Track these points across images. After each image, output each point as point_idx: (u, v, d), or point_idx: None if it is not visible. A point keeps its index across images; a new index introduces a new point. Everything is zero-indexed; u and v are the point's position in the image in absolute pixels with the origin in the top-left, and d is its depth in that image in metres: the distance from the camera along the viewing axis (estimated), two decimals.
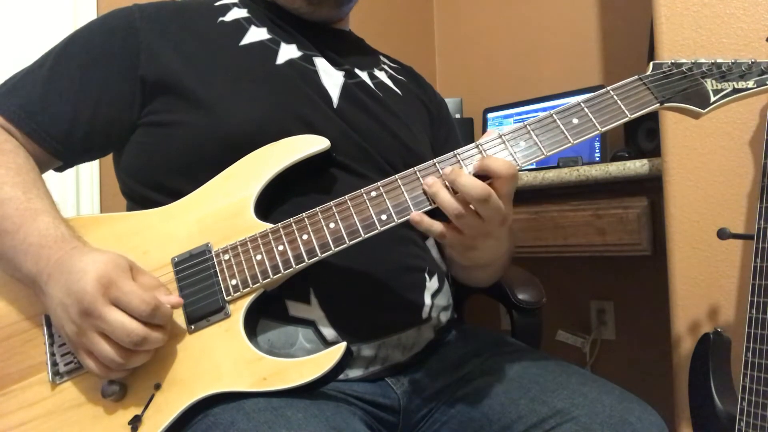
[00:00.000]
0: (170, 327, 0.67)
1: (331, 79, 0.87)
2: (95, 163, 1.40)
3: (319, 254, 0.69)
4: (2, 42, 1.29)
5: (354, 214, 0.69)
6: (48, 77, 0.80)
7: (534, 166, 1.62)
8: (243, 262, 0.70)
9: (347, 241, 0.69)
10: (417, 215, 0.67)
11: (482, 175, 0.67)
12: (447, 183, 0.67)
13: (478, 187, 0.64)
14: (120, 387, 0.66)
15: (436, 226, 0.68)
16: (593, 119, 0.70)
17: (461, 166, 0.69)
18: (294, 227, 0.70)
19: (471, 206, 0.66)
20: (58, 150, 0.80)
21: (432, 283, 0.85)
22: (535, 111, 1.89)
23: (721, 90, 0.71)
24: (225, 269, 0.70)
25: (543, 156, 0.69)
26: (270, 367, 0.66)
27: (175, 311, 0.68)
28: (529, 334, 1.06)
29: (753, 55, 1.13)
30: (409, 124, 0.92)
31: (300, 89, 0.83)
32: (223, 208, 0.73)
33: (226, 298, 0.69)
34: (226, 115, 0.78)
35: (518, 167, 0.69)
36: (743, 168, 1.15)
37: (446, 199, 0.66)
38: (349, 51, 0.95)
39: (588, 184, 1.45)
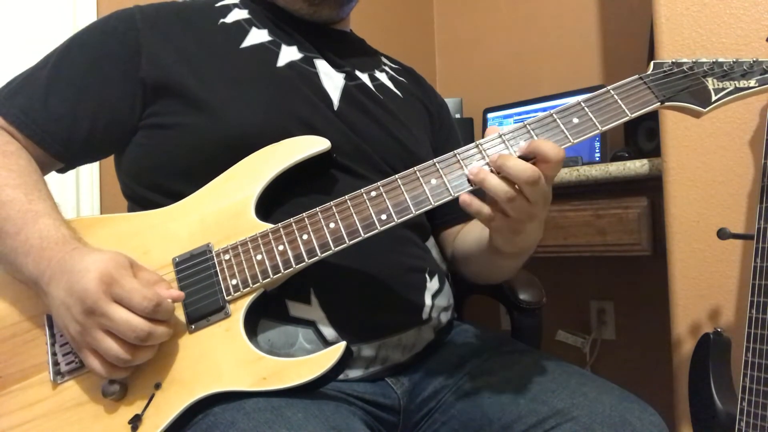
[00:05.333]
0: (173, 321, 0.67)
1: (332, 81, 0.87)
2: (95, 164, 1.40)
3: (319, 254, 0.69)
4: (2, 42, 1.29)
5: (354, 214, 0.69)
6: (49, 79, 0.80)
7: None
8: (243, 262, 0.70)
9: (347, 241, 0.69)
10: (468, 197, 0.66)
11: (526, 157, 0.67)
12: (493, 168, 0.66)
13: (528, 169, 0.64)
14: (120, 386, 0.66)
15: (486, 209, 0.67)
16: (593, 119, 0.70)
17: (461, 167, 0.69)
18: (294, 227, 0.70)
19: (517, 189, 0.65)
20: (59, 152, 0.80)
21: (432, 284, 0.85)
22: (535, 111, 1.89)
23: (723, 89, 0.71)
24: (225, 269, 0.70)
25: None
26: (270, 366, 0.66)
27: (176, 311, 0.68)
28: (529, 334, 1.06)
29: (753, 55, 1.13)
30: (409, 125, 0.93)
31: (300, 91, 0.83)
32: (224, 209, 0.73)
33: (226, 298, 0.69)
34: (227, 117, 0.78)
35: None
36: (743, 168, 1.15)
37: (496, 183, 0.65)
38: (349, 52, 0.95)
39: (588, 184, 1.45)
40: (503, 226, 0.70)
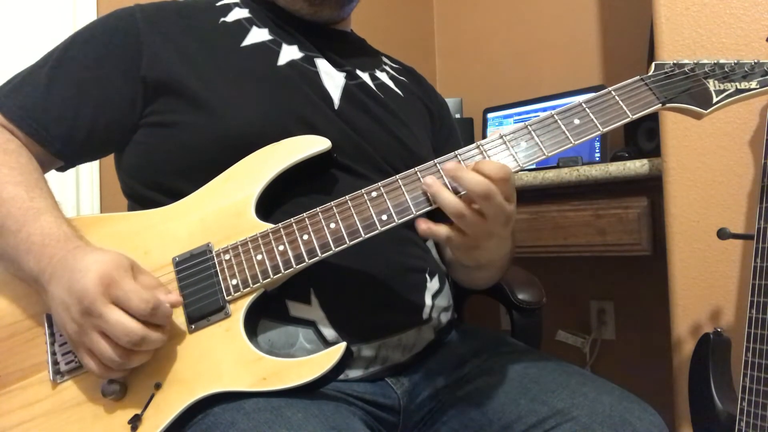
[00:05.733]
0: (170, 327, 0.67)
1: (333, 80, 0.87)
2: (95, 163, 1.40)
3: (320, 254, 0.69)
4: (2, 42, 1.29)
5: (354, 215, 0.69)
6: (50, 78, 0.80)
7: (534, 166, 1.62)
8: (243, 262, 0.70)
9: (348, 241, 0.69)
10: (425, 226, 0.67)
11: None
12: (447, 181, 0.67)
13: (481, 183, 0.64)
14: (120, 386, 0.66)
15: (442, 230, 0.67)
16: (594, 120, 0.70)
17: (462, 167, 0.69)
18: (294, 227, 0.70)
19: (473, 205, 0.66)
20: (59, 150, 0.80)
21: (433, 284, 0.85)
22: (536, 111, 1.89)
23: (724, 90, 0.71)
24: (225, 269, 0.70)
25: (544, 156, 0.69)
26: (270, 367, 0.66)
27: (176, 311, 0.68)
28: (529, 334, 1.06)
29: (753, 55, 1.13)
30: (409, 125, 0.92)
31: (301, 90, 0.83)
32: (224, 208, 0.73)
33: (226, 298, 0.69)
34: (228, 116, 0.78)
35: (519, 167, 0.69)
36: (743, 168, 1.15)
37: (448, 198, 0.65)
38: (350, 52, 0.95)
39: (588, 184, 1.46)
40: (460, 243, 0.69)
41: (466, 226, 0.67)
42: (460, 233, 0.68)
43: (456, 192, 0.66)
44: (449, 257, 0.94)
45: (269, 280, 0.69)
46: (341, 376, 0.75)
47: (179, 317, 0.69)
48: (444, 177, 0.68)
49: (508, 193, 0.67)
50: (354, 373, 0.78)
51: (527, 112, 1.92)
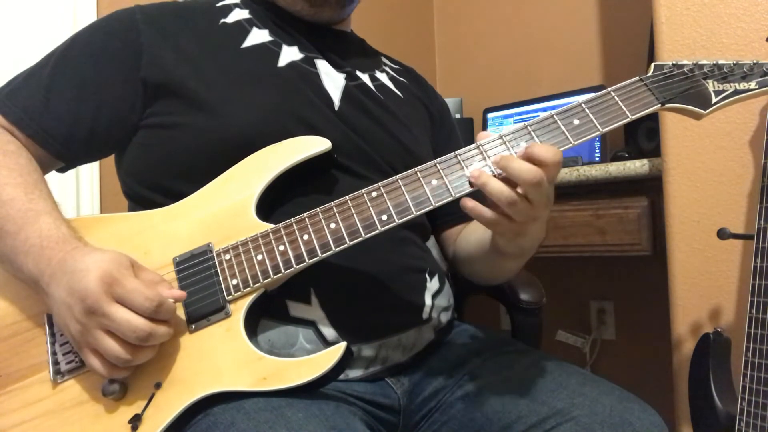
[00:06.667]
0: (174, 321, 0.67)
1: (333, 81, 0.87)
2: (95, 163, 1.40)
3: (320, 254, 0.69)
4: (2, 42, 1.29)
5: (355, 215, 0.69)
6: (50, 79, 0.80)
7: None
8: (244, 261, 0.70)
9: (348, 242, 0.69)
10: (470, 202, 0.66)
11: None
12: (496, 171, 0.66)
13: (531, 170, 0.64)
14: (120, 386, 0.66)
15: (487, 213, 0.67)
16: (594, 120, 0.70)
17: (462, 167, 0.69)
18: (295, 227, 0.70)
19: (518, 190, 0.65)
20: (59, 151, 0.80)
21: (432, 284, 0.85)
22: (536, 111, 1.89)
23: (723, 91, 0.71)
24: (226, 269, 0.70)
25: None
26: (270, 366, 0.66)
27: (177, 311, 0.68)
28: (529, 334, 1.06)
29: (753, 55, 1.13)
30: (409, 126, 0.93)
31: (301, 91, 0.83)
32: (224, 209, 0.73)
33: (226, 298, 0.69)
34: (228, 117, 0.78)
35: None
36: (743, 168, 1.15)
37: (498, 187, 0.65)
38: (350, 53, 0.95)
39: (588, 184, 1.46)
40: (506, 229, 0.69)
41: (515, 213, 0.66)
42: (507, 219, 0.67)
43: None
44: (473, 250, 0.92)
45: (269, 280, 0.70)
46: (341, 376, 0.75)
47: (180, 317, 0.69)
48: (491, 166, 0.68)
49: (555, 176, 0.67)
50: (354, 373, 0.78)
51: (527, 112, 1.92)
